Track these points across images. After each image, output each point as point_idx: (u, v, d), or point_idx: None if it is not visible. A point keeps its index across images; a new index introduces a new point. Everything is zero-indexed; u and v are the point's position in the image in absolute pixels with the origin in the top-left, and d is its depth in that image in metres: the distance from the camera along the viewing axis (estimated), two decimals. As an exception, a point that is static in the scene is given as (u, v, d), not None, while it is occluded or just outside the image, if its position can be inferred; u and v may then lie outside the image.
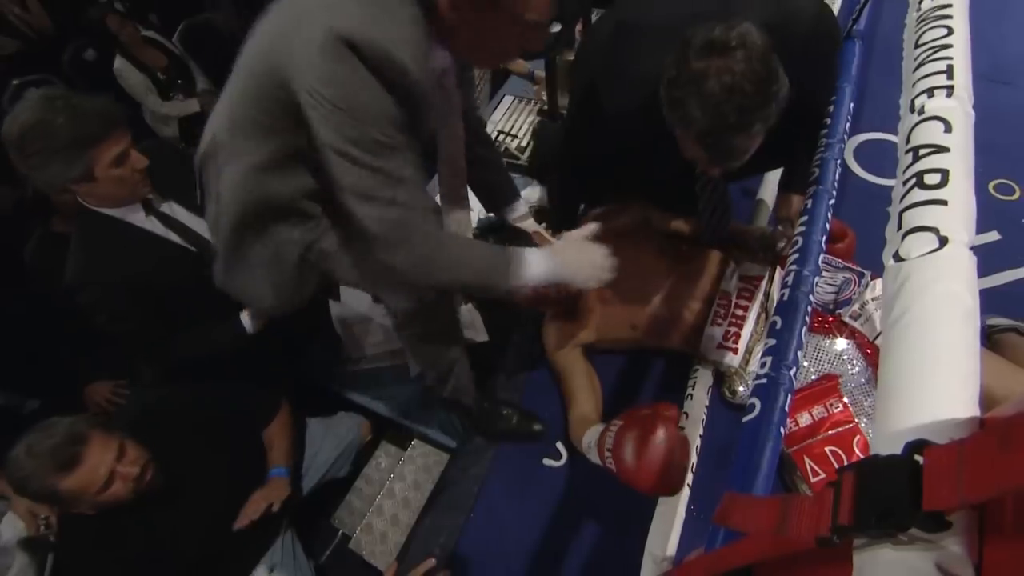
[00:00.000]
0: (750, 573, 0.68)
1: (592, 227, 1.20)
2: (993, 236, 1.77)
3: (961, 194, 0.79)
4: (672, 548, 1.14)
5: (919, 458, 0.40)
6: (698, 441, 1.37)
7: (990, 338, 1.49)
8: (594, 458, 1.19)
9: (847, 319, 1.48)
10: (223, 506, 1.42)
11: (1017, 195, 1.89)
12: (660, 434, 1.00)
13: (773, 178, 1.81)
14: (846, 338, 1.46)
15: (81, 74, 3.04)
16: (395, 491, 1.70)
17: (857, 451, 1.32)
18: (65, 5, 3.20)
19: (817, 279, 1.33)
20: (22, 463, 1.16)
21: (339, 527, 1.71)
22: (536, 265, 1.07)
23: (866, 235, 1.56)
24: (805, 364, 1.42)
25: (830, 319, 1.49)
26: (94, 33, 2.91)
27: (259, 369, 1.63)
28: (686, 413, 1.42)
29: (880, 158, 2.05)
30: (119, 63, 2.86)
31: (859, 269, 1.51)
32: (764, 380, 0.90)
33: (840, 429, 1.34)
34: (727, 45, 0.92)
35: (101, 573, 1.29)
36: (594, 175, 1.55)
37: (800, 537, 0.51)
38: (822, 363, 1.44)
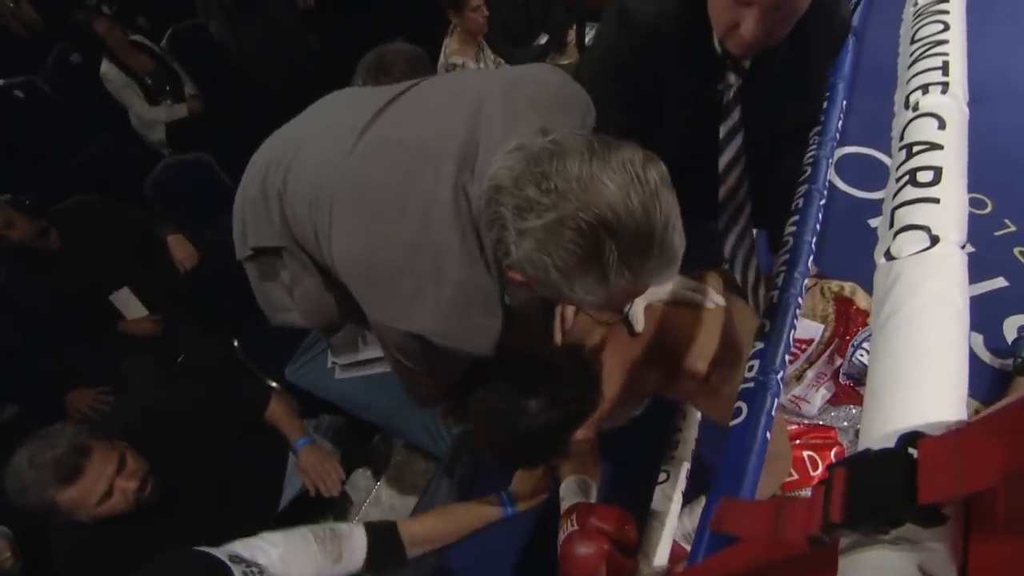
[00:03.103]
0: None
1: None
2: (968, 249, 1.78)
3: (953, 192, 0.78)
4: (663, 558, 1.12)
5: (913, 451, 0.39)
6: (688, 464, 1.32)
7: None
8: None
9: None
10: (222, 507, 1.40)
11: (989, 209, 1.91)
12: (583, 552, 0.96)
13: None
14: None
15: (66, 77, 3.00)
16: (382, 499, 1.66)
17: (832, 458, 1.32)
18: (56, 5, 3.17)
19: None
20: (23, 474, 1.12)
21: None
22: None
23: (848, 248, 1.55)
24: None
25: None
26: (80, 36, 2.88)
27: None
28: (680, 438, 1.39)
29: (863, 172, 2.06)
30: (105, 66, 2.82)
31: None
32: (751, 384, 0.88)
33: (819, 440, 1.35)
34: None
35: None
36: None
37: (794, 538, 0.49)
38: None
